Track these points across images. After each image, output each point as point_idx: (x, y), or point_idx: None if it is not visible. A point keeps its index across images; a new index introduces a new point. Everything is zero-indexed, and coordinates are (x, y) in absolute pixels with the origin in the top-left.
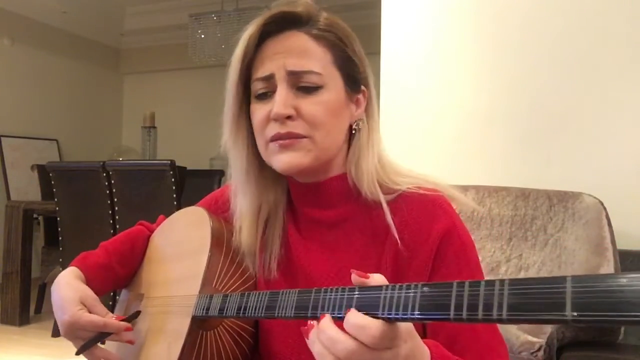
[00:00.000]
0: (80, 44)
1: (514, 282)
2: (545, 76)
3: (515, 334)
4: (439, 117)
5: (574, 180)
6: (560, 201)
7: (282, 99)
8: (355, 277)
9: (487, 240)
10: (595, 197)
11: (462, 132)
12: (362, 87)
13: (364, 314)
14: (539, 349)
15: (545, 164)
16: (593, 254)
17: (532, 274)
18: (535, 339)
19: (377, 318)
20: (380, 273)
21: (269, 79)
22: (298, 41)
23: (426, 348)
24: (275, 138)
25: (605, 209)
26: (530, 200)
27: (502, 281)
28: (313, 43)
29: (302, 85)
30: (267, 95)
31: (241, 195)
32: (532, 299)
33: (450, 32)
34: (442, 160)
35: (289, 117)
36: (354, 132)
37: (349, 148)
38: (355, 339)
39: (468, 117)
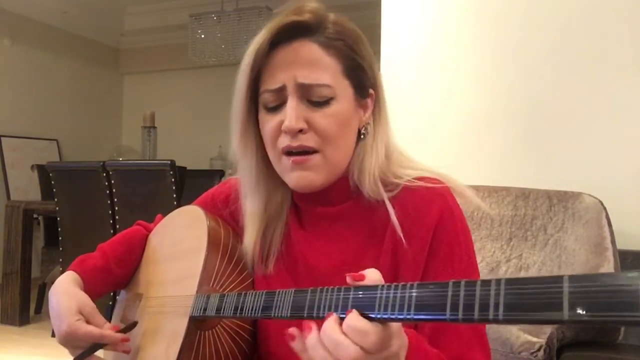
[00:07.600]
0: (80, 44)
1: (510, 281)
2: (545, 76)
3: (516, 334)
4: (438, 117)
5: (574, 180)
6: (560, 201)
7: (294, 113)
8: (350, 280)
9: (487, 240)
10: (595, 197)
11: (461, 132)
12: (370, 91)
13: (360, 314)
14: (539, 349)
15: (545, 164)
16: (593, 253)
17: (532, 273)
18: (535, 339)
19: (372, 320)
20: (380, 263)
21: (280, 90)
22: (308, 52)
23: (407, 340)
24: (287, 151)
25: (605, 209)
26: (530, 200)
27: (498, 280)
28: (323, 53)
29: (314, 100)
30: (277, 107)
31: (250, 197)
32: (528, 299)
33: (450, 32)
34: (441, 160)
35: (300, 130)
36: (362, 136)
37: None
38: (356, 344)
39: (468, 117)
